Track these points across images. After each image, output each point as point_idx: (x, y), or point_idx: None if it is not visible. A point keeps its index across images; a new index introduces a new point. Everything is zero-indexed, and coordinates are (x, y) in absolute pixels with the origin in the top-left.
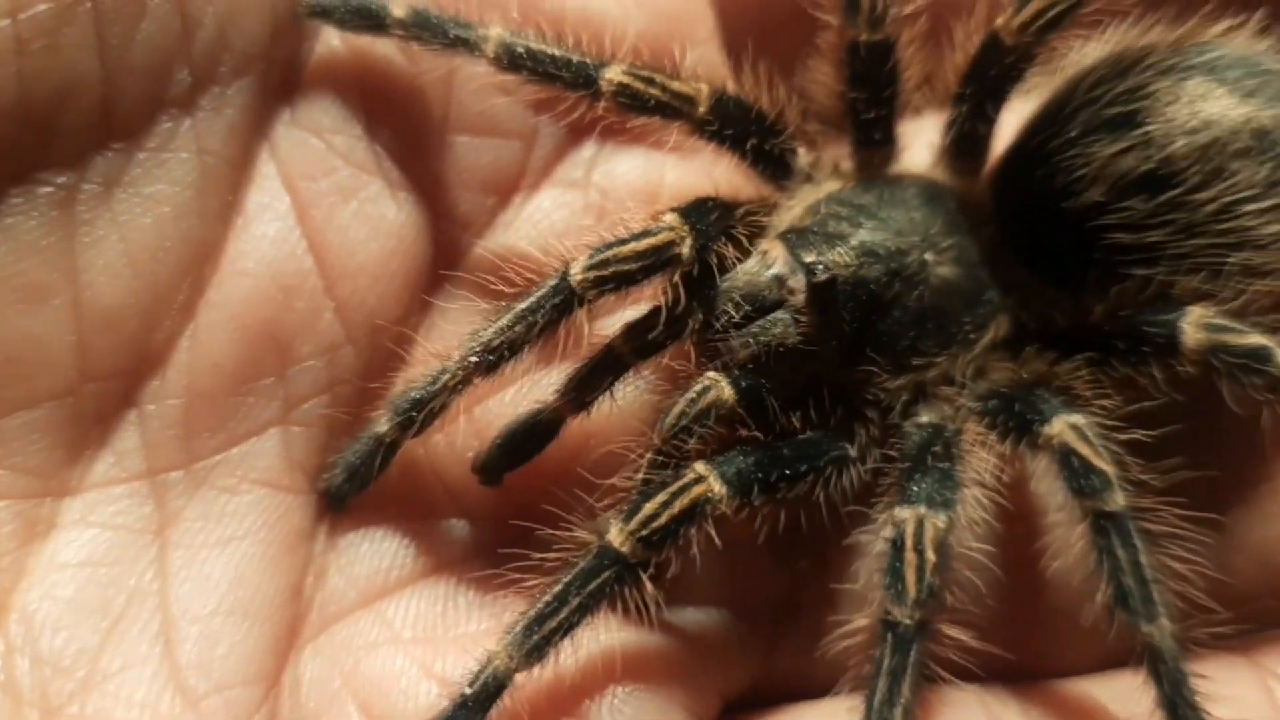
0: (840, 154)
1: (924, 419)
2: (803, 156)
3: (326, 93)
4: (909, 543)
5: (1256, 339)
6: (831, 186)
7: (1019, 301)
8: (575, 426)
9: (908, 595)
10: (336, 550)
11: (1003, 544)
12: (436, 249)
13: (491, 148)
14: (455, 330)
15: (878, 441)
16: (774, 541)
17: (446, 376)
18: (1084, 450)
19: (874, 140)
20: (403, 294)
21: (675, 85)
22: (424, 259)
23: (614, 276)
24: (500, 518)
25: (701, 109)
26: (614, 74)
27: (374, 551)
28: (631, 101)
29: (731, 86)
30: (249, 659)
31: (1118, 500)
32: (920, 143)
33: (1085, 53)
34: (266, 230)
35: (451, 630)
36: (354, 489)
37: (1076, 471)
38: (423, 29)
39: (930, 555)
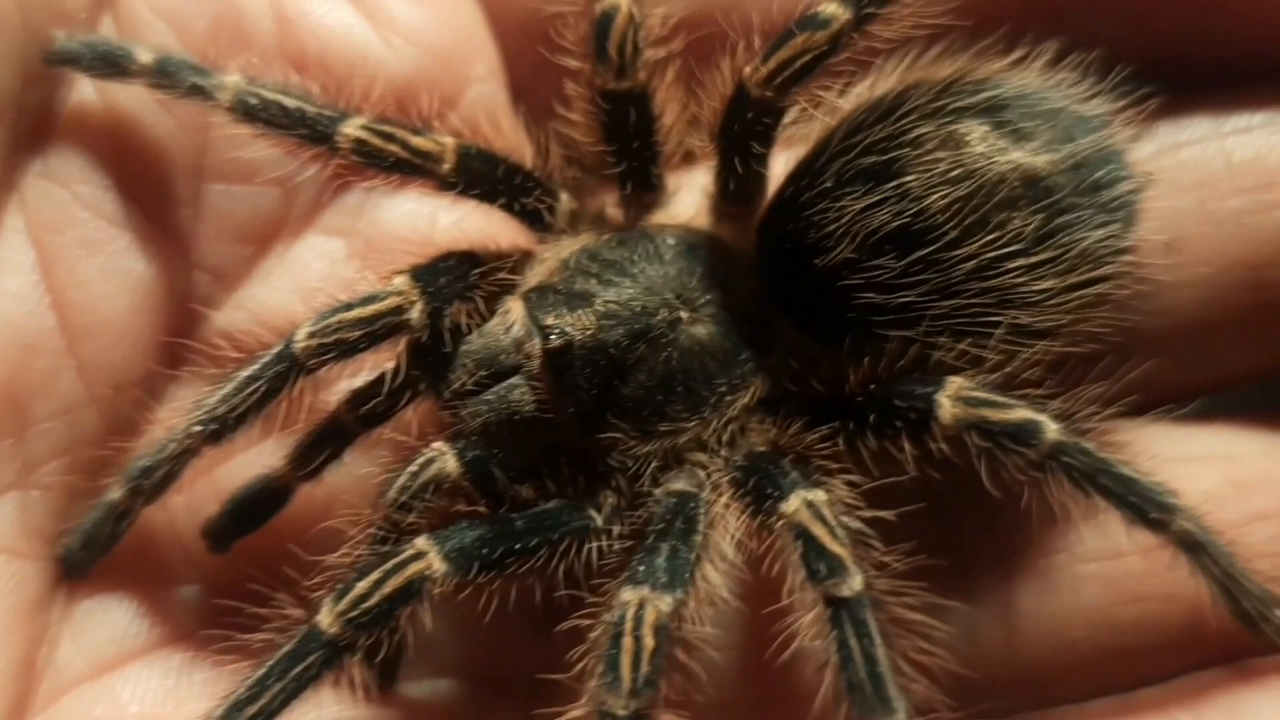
0: (609, 200)
1: (676, 486)
2: (565, 205)
3: (78, 142)
4: (628, 627)
5: (1022, 413)
6: (588, 239)
7: (781, 361)
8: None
9: (622, 684)
10: (72, 619)
11: (750, 621)
12: (186, 303)
13: (249, 195)
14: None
15: (627, 510)
16: (531, 611)
17: (173, 445)
18: (818, 531)
19: (638, 188)
20: (149, 351)
21: (416, 142)
22: (172, 314)
23: (336, 345)
24: (241, 586)
25: (446, 166)
26: (352, 129)
27: (108, 620)
28: (369, 159)
29: (484, 139)
30: None
31: (852, 585)
32: (696, 186)
33: (860, 90)
34: (8, 286)
35: (180, 707)
36: (91, 556)
37: (810, 554)
38: (164, 76)
39: (649, 641)
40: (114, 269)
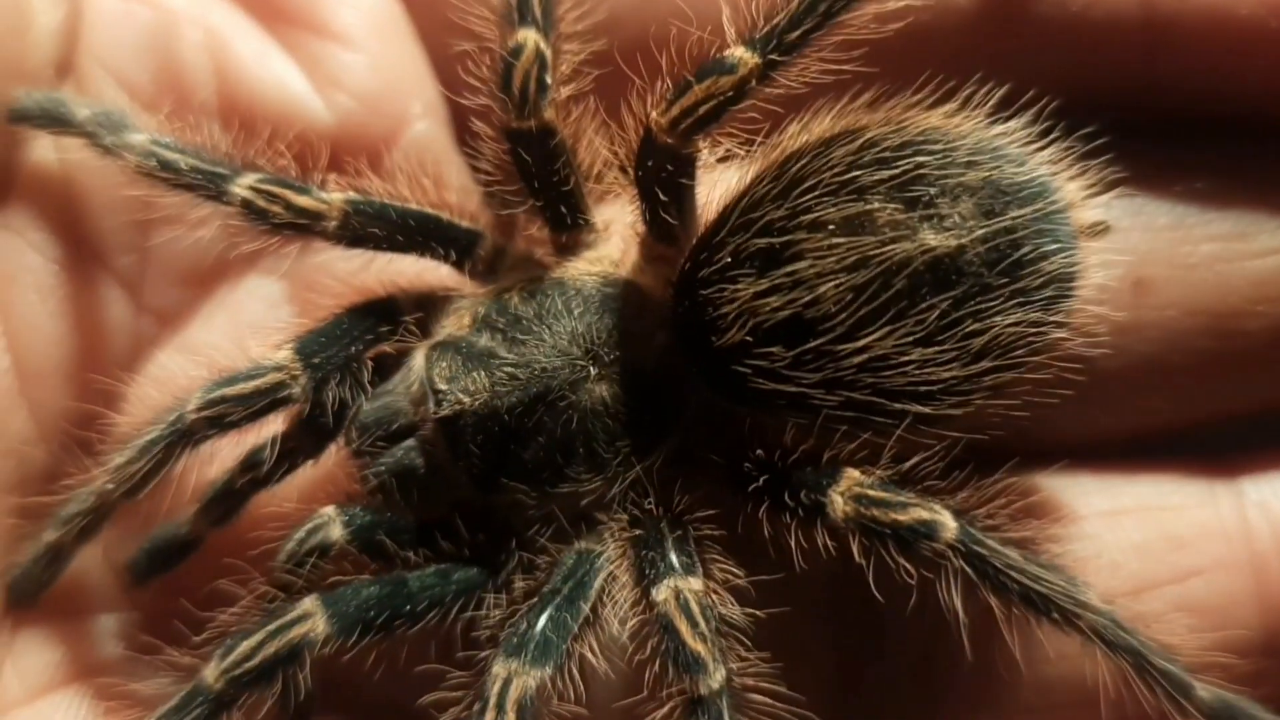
0: (538, 238)
1: (578, 544)
2: (488, 244)
3: (33, 194)
4: (492, 701)
5: (920, 512)
6: (505, 284)
7: (692, 422)
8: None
9: None
10: (14, 646)
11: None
12: (137, 342)
13: (193, 240)
14: None
15: (527, 568)
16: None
17: (92, 499)
18: (680, 626)
19: (557, 226)
20: (98, 390)
21: (301, 201)
22: (123, 354)
23: (220, 417)
24: (166, 616)
25: (331, 224)
26: (240, 188)
27: (47, 648)
28: (256, 217)
29: (442, 156)
30: None
31: (709, 684)
32: (628, 223)
33: (790, 133)
34: None
35: None
36: (34, 589)
37: (671, 648)
38: (89, 133)
39: (510, 717)
40: (65, 314)
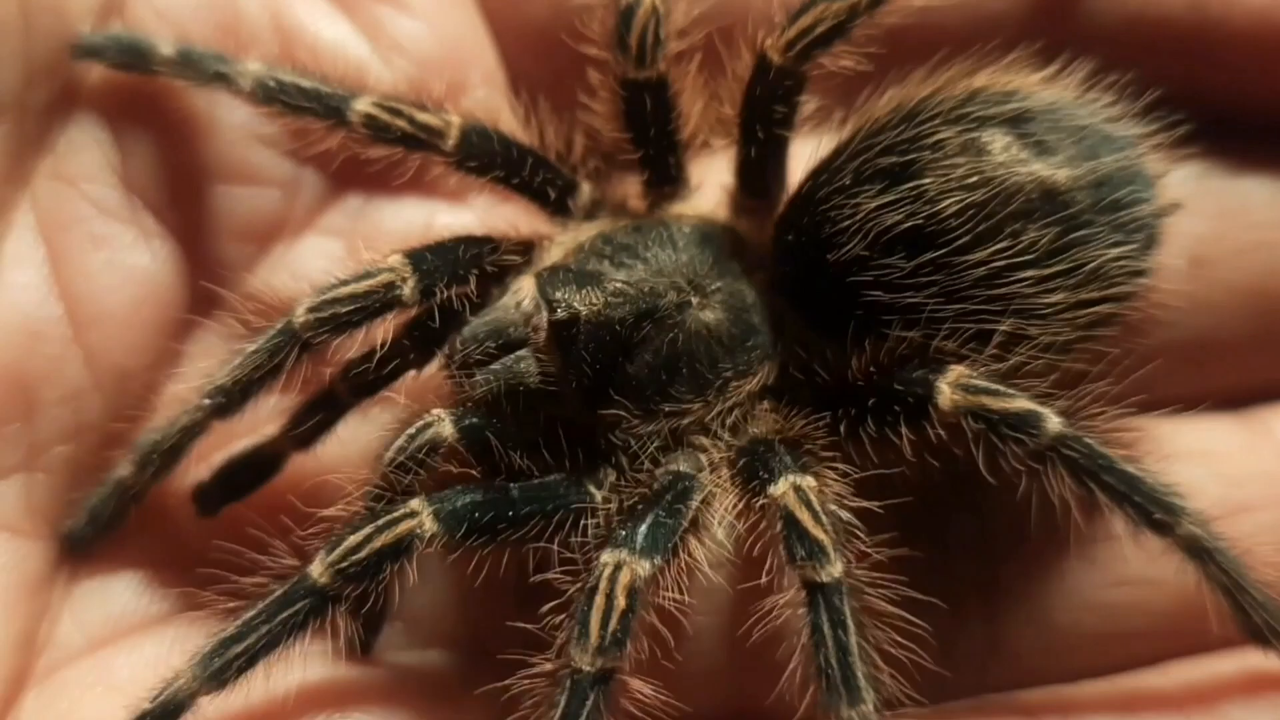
0: (631, 192)
1: (675, 466)
2: (585, 194)
3: (86, 142)
4: (601, 586)
5: (1022, 403)
6: (604, 225)
7: (789, 350)
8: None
9: (589, 641)
10: (73, 597)
11: (730, 596)
12: (194, 296)
13: (251, 196)
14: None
15: (625, 488)
16: (519, 586)
17: (184, 419)
18: (802, 516)
19: (659, 178)
20: (153, 341)
21: (422, 118)
22: (178, 306)
23: (332, 320)
24: (241, 569)
25: (449, 142)
26: (362, 105)
27: (107, 598)
28: (377, 133)
29: (503, 123)
30: None
31: (830, 571)
32: (716, 183)
33: (887, 96)
34: (19, 278)
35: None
36: (96, 533)
37: (792, 536)
38: (187, 66)
39: (620, 601)
40: (118, 264)
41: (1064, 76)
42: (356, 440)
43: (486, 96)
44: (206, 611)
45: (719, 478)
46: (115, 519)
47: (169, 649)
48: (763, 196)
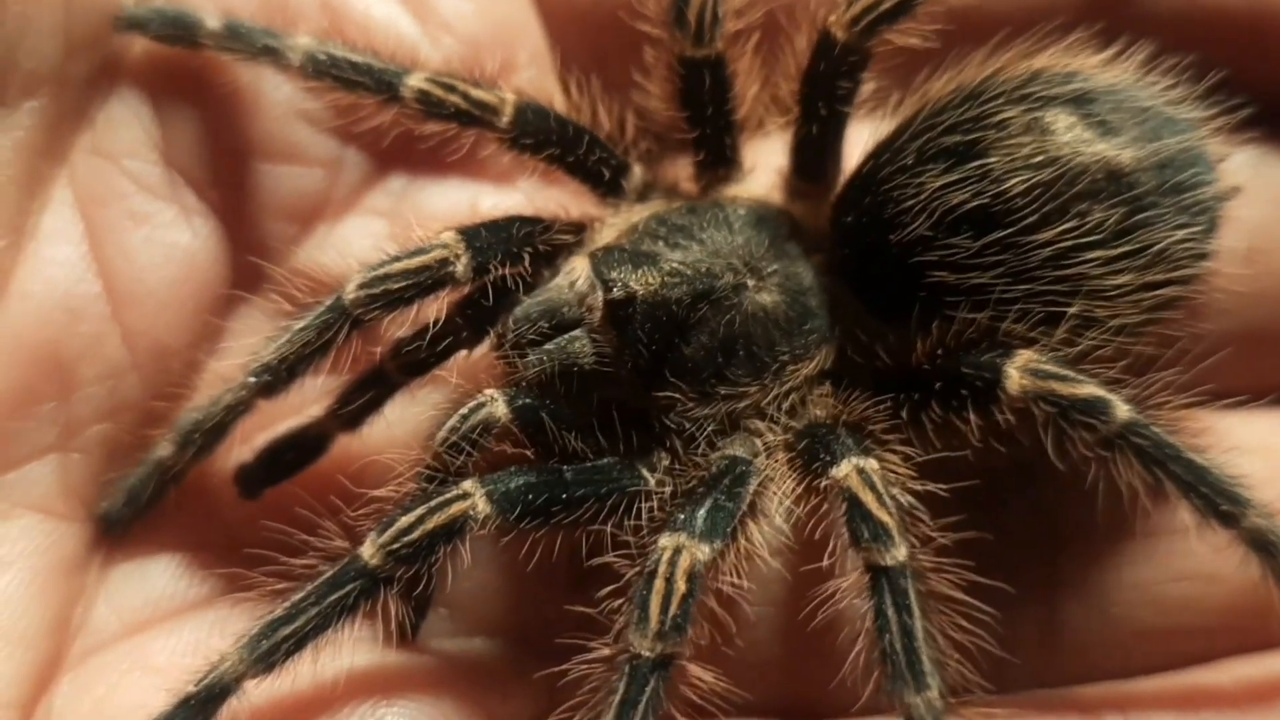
0: (683, 174)
1: (730, 451)
2: (637, 175)
3: (127, 117)
4: (661, 570)
5: (1091, 389)
6: (658, 206)
7: (848, 333)
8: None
9: (649, 626)
10: (108, 580)
11: (789, 582)
12: (235, 275)
13: (294, 175)
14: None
15: (679, 473)
16: (567, 573)
17: (228, 397)
18: (866, 498)
19: (712, 160)
20: (193, 320)
21: (476, 94)
22: (218, 285)
23: (384, 296)
24: (285, 550)
25: (504, 119)
26: (415, 80)
27: (144, 582)
28: (430, 108)
29: (555, 101)
30: (9, 684)
31: (896, 555)
32: (770, 167)
33: (947, 78)
34: (56, 254)
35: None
36: (133, 514)
37: (856, 518)
38: (234, 39)
39: (680, 586)
40: (159, 240)
41: (1123, 59)
42: (403, 422)
43: (534, 78)
44: (247, 595)
45: (775, 462)
46: (153, 500)
47: (209, 633)
48: (818, 179)
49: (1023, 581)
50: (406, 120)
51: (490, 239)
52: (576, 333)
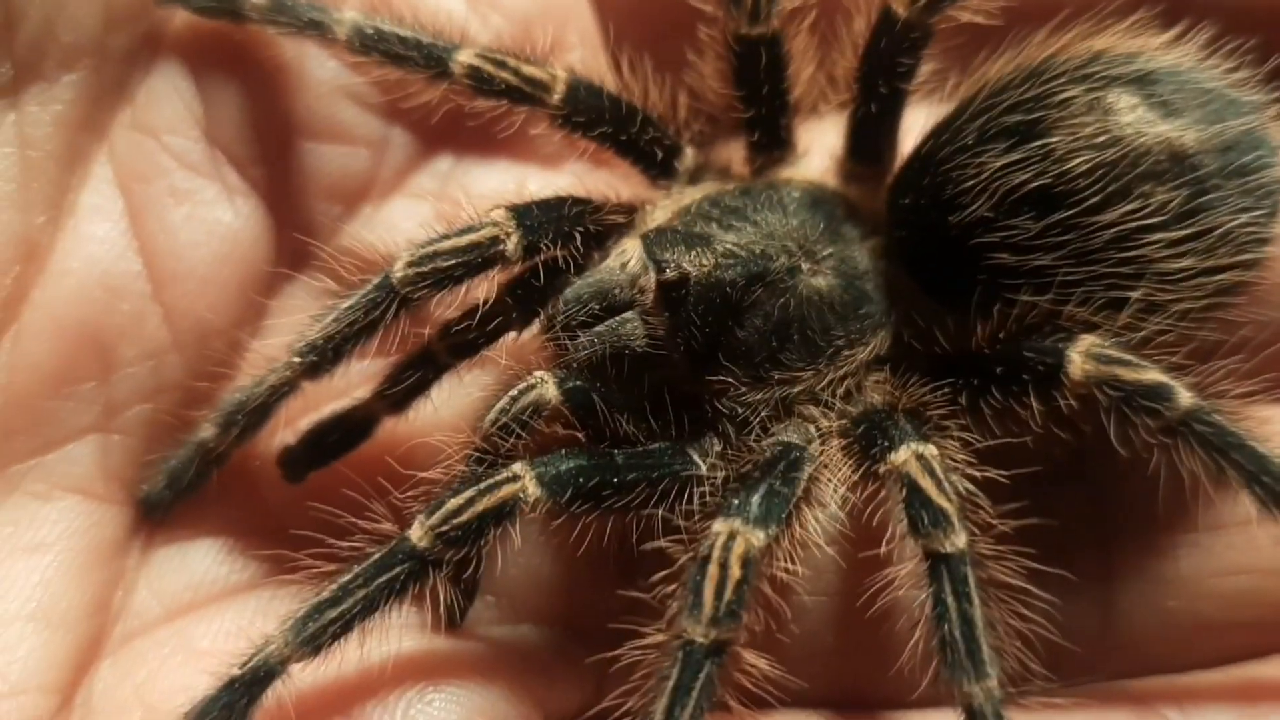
0: (735, 156)
1: (784, 437)
2: (689, 157)
3: (168, 92)
4: (715, 556)
5: (1154, 375)
6: (711, 188)
7: (904, 318)
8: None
9: (703, 612)
10: (149, 564)
11: (845, 569)
12: (279, 255)
13: (339, 155)
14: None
15: (731, 458)
16: (615, 560)
17: (273, 377)
18: (925, 484)
19: (766, 141)
20: (236, 299)
21: (528, 70)
22: (262, 263)
23: (433, 274)
24: (331, 532)
25: (555, 96)
26: (465, 56)
27: (186, 566)
28: (481, 84)
29: (606, 82)
30: (48, 666)
31: (955, 542)
32: (824, 150)
33: (1006, 58)
34: (96, 231)
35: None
36: (175, 497)
37: (914, 505)
38: (279, 13)
39: (735, 572)
40: (201, 219)
41: (1185, 41)
42: (449, 405)
43: (586, 56)
44: (292, 578)
45: (829, 448)
46: (195, 483)
47: (252, 618)
48: (874, 162)
49: (1080, 572)
50: (455, 97)
51: (541, 218)
52: (628, 315)
